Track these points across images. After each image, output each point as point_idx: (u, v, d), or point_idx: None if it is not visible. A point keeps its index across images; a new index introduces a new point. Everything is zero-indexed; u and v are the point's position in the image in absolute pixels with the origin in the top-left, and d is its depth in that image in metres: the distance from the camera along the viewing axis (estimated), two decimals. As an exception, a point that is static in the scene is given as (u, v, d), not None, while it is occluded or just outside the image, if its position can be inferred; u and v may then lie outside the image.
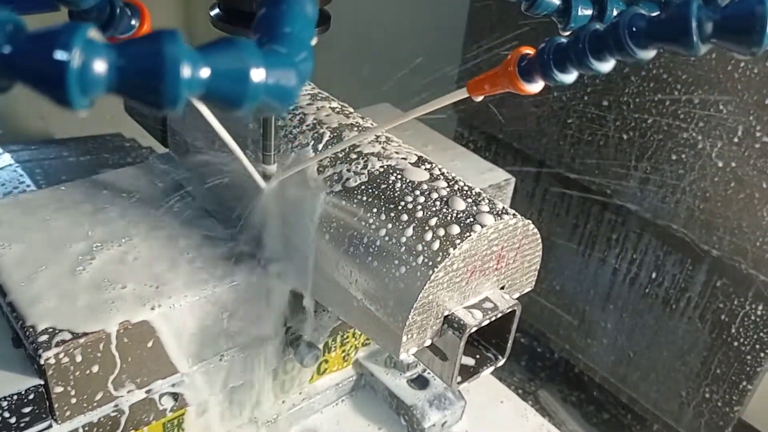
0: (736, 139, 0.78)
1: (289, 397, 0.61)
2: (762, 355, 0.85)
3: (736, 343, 0.87)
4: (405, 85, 0.79)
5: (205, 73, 0.21)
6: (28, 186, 0.98)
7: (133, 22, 0.40)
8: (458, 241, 0.43)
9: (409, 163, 0.50)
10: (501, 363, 0.50)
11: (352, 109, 0.58)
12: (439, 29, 0.92)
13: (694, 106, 0.80)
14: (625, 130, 0.87)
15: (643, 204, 0.87)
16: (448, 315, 0.45)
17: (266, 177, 0.51)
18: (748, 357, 0.86)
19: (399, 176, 0.48)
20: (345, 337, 0.62)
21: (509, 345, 0.50)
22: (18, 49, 0.19)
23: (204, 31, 1.79)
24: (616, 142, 0.87)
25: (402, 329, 0.43)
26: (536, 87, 0.38)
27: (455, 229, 0.44)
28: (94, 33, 0.19)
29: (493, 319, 0.46)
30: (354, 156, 0.50)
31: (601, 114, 0.89)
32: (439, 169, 0.50)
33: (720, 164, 0.79)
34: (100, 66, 0.19)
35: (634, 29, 0.32)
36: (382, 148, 0.52)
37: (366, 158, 0.50)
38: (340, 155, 0.50)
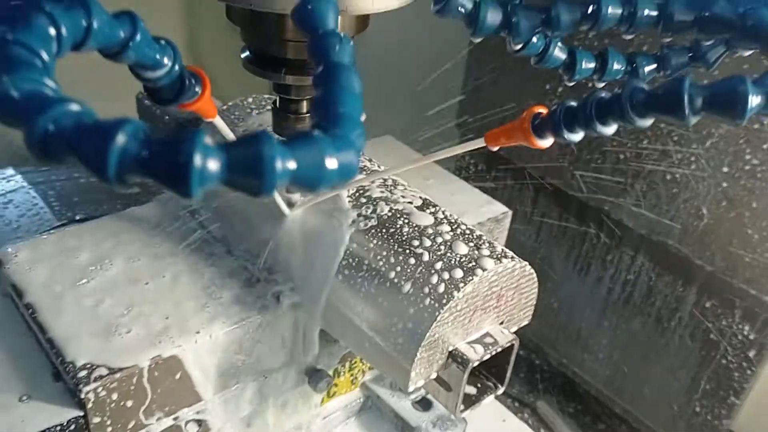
0: (727, 161, 0.82)
1: (302, 419, 0.65)
2: (749, 372, 0.89)
3: (724, 361, 0.91)
4: (406, 118, 0.83)
5: (292, 165, 0.25)
6: (42, 208, 1.01)
7: (197, 89, 0.45)
8: (462, 285, 0.47)
9: (415, 207, 0.54)
10: (500, 391, 0.54)
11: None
12: (439, 61, 0.96)
13: (687, 129, 0.84)
14: (622, 150, 0.91)
15: (639, 220, 0.91)
16: (452, 350, 0.49)
17: (290, 205, 0.55)
18: (736, 374, 0.90)
19: (406, 221, 0.52)
20: (353, 362, 0.66)
21: (508, 375, 0.54)
22: (152, 153, 0.24)
23: (207, 37, 1.82)
24: (613, 161, 0.91)
25: (411, 365, 0.47)
26: (547, 143, 0.42)
27: (459, 273, 0.48)
28: (208, 139, 0.24)
29: (494, 353, 0.50)
30: (364, 200, 0.54)
31: (598, 135, 0.93)
32: (443, 213, 0.54)
33: (712, 184, 0.83)
34: (214, 165, 0.24)
35: (634, 101, 0.37)
36: (390, 192, 0.56)
37: (375, 203, 0.54)
38: (351, 200, 0.54)
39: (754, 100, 0.33)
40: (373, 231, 0.52)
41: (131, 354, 0.48)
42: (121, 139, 0.23)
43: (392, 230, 0.52)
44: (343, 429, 0.68)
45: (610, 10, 0.41)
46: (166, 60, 0.38)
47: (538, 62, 0.45)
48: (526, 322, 0.56)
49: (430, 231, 0.52)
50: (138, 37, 0.34)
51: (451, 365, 0.50)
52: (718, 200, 0.84)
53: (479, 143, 0.46)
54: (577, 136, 0.40)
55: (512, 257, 0.51)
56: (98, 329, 0.50)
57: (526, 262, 0.52)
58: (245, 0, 0.45)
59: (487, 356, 0.50)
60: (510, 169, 1.04)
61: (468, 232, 0.52)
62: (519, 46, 0.43)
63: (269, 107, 0.66)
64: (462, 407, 0.52)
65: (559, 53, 0.44)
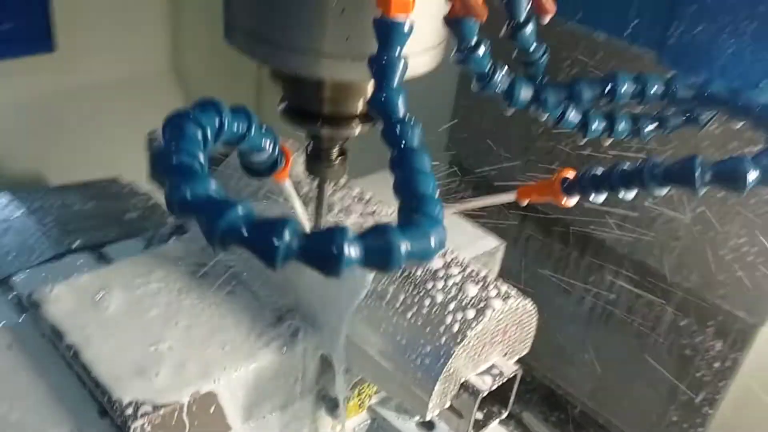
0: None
1: (315, 441, 0.70)
2: (720, 384, 0.96)
3: (698, 374, 0.97)
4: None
5: (358, 253, 0.32)
6: (38, 237, 1.03)
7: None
8: (474, 324, 0.52)
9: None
10: (504, 416, 0.60)
11: (368, 195, 0.67)
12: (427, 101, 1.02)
13: (666, 157, 0.90)
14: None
15: (621, 240, 0.97)
16: (463, 381, 0.55)
17: None
18: (709, 386, 0.97)
19: (419, 266, 0.58)
20: (361, 388, 0.70)
21: (511, 401, 0.59)
22: (309, 245, 0.32)
23: (190, 41, 1.82)
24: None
25: (429, 397, 0.52)
26: (573, 202, 0.49)
27: (471, 314, 0.53)
28: (351, 232, 0.31)
29: (500, 383, 0.56)
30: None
31: (582, 160, 0.99)
32: (451, 255, 0.59)
33: (688, 209, 0.90)
34: (354, 253, 0.32)
35: (654, 173, 0.43)
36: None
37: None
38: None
39: (752, 176, 0.40)
40: (390, 273, 0.57)
41: (172, 391, 0.53)
42: (286, 235, 0.31)
43: (406, 273, 0.57)
44: (356, 450, 0.73)
45: (625, 88, 0.48)
46: (268, 145, 0.45)
47: (555, 125, 0.51)
48: (525, 352, 0.61)
49: (441, 273, 0.57)
50: (252, 131, 0.41)
51: (462, 395, 0.55)
52: (694, 223, 0.90)
53: (510, 197, 0.52)
54: (601, 198, 0.46)
55: (516, 296, 0.56)
56: (139, 368, 0.54)
57: (529, 299, 0.57)
58: (290, 67, 0.50)
59: (495, 387, 0.55)
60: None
61: (475, 273, 0.58)
62: (553, 119, 0.49)
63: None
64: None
65: (575, 117, 0.50)
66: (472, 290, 0.55)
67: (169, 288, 0.63)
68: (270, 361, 0.58)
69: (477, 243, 0.76)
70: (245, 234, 0.31)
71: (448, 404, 0.55)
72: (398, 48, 0.41)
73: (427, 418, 0.54)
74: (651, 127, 0.53)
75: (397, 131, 0.40)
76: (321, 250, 0.32)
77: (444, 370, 0.52)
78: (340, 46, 0.48)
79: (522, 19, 0.47)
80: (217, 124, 0.39)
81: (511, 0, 0.46)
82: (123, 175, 1.22)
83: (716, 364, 0.95)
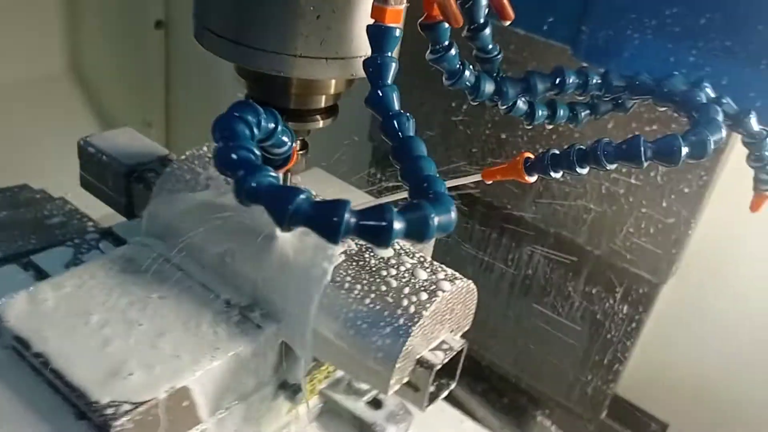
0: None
1: (271, 427, 0.73)
2: (628, 344, 1.07)
3: (609, 336, 1.08)
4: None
5: (401, 226, 0.38)
6: None
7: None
8: (428, 305, 0.58)
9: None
10: (453, 386, 0.66)
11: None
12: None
13: (575, 140, 0.98)
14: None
15: (537, 215, 1.06)
16: (419, 357, 0.60)
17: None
18: (619, 345, 1.08)
19: (371, 254, 0.62)
20: (314, 374, 0.75)
21: (458, 372, 0.65)
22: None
23: (89, 47, 1.78)
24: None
25: (390, 374, 0.57)
26: (533, 179, 0.56)
27: (424, 296, 0.59)
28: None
29: (451, 357, 0.62)
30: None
31: (500, 144, 1.06)
32: (399, 245, 0.65)
33: (596, 185, 0.99)
34: (399, 226, 0.38)
35: (606, 152, 0.50)
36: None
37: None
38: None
39: (684, 151, 0.47)
40: (345, 264, 0.62)
41: (148, 389, 0.55)
42: (345, 214, 0.37)
43: (362, 263, 0.62)
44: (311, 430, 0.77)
45: (571, 80, 0.55)
46: (287, 140, 0.51)
47: (507, 112, 0.58)
48: (467, 328, 0.68)
49: (393, 261, 0.62)
50: (279, 127, 0.47)
51: (418, 370, 0.60)
52: (602, 197, 0.99)
53: (477, 177, 0.57)
54: (558, 175, 0.53)
55: (460, 278, 0.62)
56: (112, 369, 0.57)
57: (470, 281, 0.63)
58: (264, 67, 0.54)
59: (447, 360, 0.61)
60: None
61: (423, 259, 0.63)
62: (505, 107, 0.55)
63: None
64: (426, 403, 0.63)
65: (523, 105, 0.59)
66: (422, 275, 0.61)
67: (129, 290, 0.65)
68: (236, 353, 0.61)
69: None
70: (312, 215, 0.37)
71: (406, 380, 0.60)
72: (390, 50, 0.47)
73: (389, 394, 0.59)
74: (585, 113, 0.61)
75: (395, 124, 0.46)
76: (374, 225, 0.37)
77: (403, 348, 0.57)
78: (314, 48, 0.52)
79: (481, 21, 0.53)
80: (256, 122, 0.44)
81: (472, 6, 0.51)
82: (27, 180, 1.20)
83: (624, 325, 1.06)
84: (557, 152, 0.53)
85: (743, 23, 0.65)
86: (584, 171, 0.52)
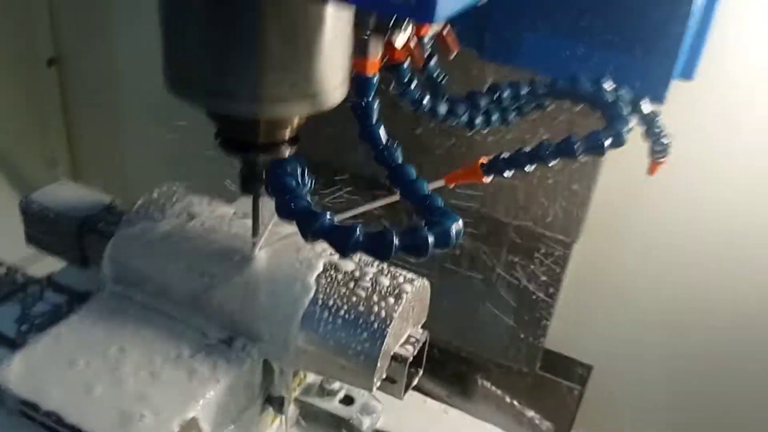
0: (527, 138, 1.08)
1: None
2: (550, 301, 1.20)
3: (534, 296, 1.20)
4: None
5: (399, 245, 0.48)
6: None
7: None
8: (396, 307, 0.66)
9: (338, 258, 0.72)
10: (420, 374, 0.74)
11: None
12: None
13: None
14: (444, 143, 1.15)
15: (459, 198, 1.15)
16: (393, 354, 0.69)
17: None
18: (543, 303, 1.20)
19: (336, 268, 0.70)
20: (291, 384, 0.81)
21: (424, 361, 0.74)
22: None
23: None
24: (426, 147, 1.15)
25: (373, 373, 0.66)
26: (490, 179, 0.66)
27: (391, 300, 0.67)
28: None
29: (418, 348, 0.70)
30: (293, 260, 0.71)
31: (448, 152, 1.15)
32: (358, 257, 0.72)
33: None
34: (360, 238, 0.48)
35: (547, 152, 0.63)
36: (311, 247, 0.73)
37: (306, 263, 0.71)
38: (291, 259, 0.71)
39: (608, 142, 0.60)
40: (316, 280, 0.69)
41: (162, 427, 0.61)
42: (357, 234, 0.47)
43: (329, 278, 0.69)
44: (291, 437, 0.83)
45: (506, 93, 0.69)
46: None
47: (452, 125, 0.71)
48: (425, 319, 0.76)
49: (357, 273, 0.70)
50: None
51: (393, 365, 0.69)
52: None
53: (440, 183, 0.66)
54: (510, 174, 0.65)
55: (417, 278, 0.71)
56: (123, 415, 0.62)
57: (424, 278, 0.72)
58: (236, 112, 0.60)
59: (416, 351, 0.70)
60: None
61: (382, 267, 0.71)
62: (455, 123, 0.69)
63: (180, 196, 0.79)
64: (404, 392, 0.71)
65: (465, 117, 0.70)
66: (385, 281, 0.69)
67: (116, 338, 0.69)
68: (230, 379, 0.67)
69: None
70: (368, 244, 0.48)
71: (384, 375, 0.69)
72: (372, 94, 0.56)
73: (373, 391, 0.67)
74: (513, 115, 0.72)
75: (386, 155, 0.56)
76: (414, 244, 0.48)
77: (382, 349, 0.65)
78: (284, 91, 0.58)
79: (427, 54, 0.64)
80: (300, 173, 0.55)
81: (418, 43, 0.61)
82: None
83: (545, 287, 1.18)
84: (507, 156, 0.63)
85: (617, 20, 0.77)
86: (531, 168, 0.62)
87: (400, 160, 0.55)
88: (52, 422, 0.62)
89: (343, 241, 0.47)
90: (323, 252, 0.72)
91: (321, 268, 0.70)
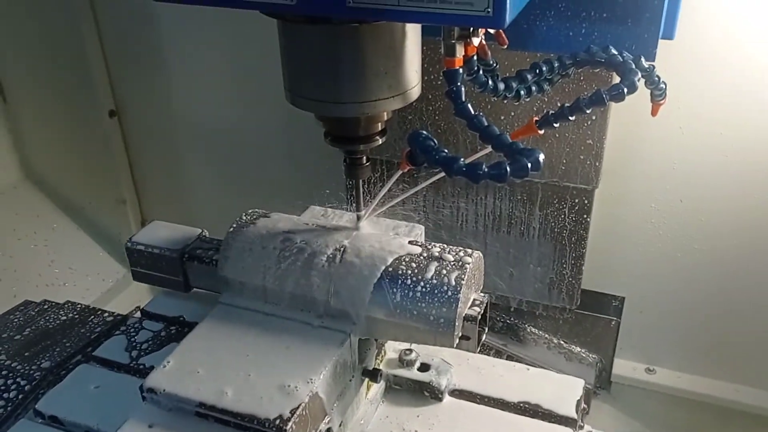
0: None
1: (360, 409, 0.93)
2: (582, 243, 1.34)
3: (565, 241, 1.34)
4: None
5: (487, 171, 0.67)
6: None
7: None
8: (463, 276, 0.81)
9: (406, 243, 0.86)
10: (486, 330, 0.88)
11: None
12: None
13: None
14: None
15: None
16: (464, 315, 0.83)
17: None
18: (574, 246, 1.35)
19: (408, 255, 0.84)
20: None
21: (487, 320, 0.88)
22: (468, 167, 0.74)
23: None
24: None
25: (453, 333, 0.80)
26: (542, 131, 0.80)
27: (456, 272, 0.81)
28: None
29: (484, 308, 0.85)
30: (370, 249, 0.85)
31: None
32: (417, 240, 0.87)
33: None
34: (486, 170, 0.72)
35: (583, 104, 0.77)
36: (384, 239, 0.87)
37: (381, 251, 0.85)
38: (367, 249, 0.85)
39: (625, 90, 0.76)
40: (394, 264, 0.83)
41: (294, 399, 0.76)
42: (483, 168, 0.68)
43: (403, 263, 0.83)
44: (383, 406, 0.96)
45: (544, 68, 0.84)
46: None
47: (505, 98, 0.85)
48: (482, 284, 0.90)
49: (425, 254, 0.84)
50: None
51: (466, 324, 0.83)
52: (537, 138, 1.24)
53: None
54: (557, 125, 0.79)
55: (473, 251, 0.85)
56: (282, 389, 0.77)
57: (479, 251, 0.86)
58: (346, 114, 0.78)
59: (482, 311, 0.84)
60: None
61: (441, 247, 0.86)
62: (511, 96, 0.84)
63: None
64: (477, 347, 0.86)
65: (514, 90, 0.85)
66: (449, 257, 0.83)
67: (240, 338, 0.84)
68: (335, 358, 0.81)
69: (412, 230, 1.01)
70: (465, 169, 0.67)
71: (460, 333, 0.83)
72: (459, 82, 0.72)
73: (454, 347, 0.82)
74: (546, 84, 0.87)
75: (475, 122, 0.72)
76: (496, 171, 0.67)
77: (457, 311, 0.80)
78: (384, 93, 0.77)
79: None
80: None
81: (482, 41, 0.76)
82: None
83: (575, 232, 1.33)
84: (553, 112, 0.78)
85: (605, 2, 0.92)
86: (573, 118, 0.78)
87: (485, 124, 0.72)
88: (204, 410, 0.76)
89: (474, 172, 0.67)
90: (394, 240, 0.86)
91: (396, 254, 0.84)
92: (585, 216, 1.33)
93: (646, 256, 1.50)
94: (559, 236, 1.35)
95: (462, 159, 0.69)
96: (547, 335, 1.53)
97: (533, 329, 1.53)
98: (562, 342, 1.54)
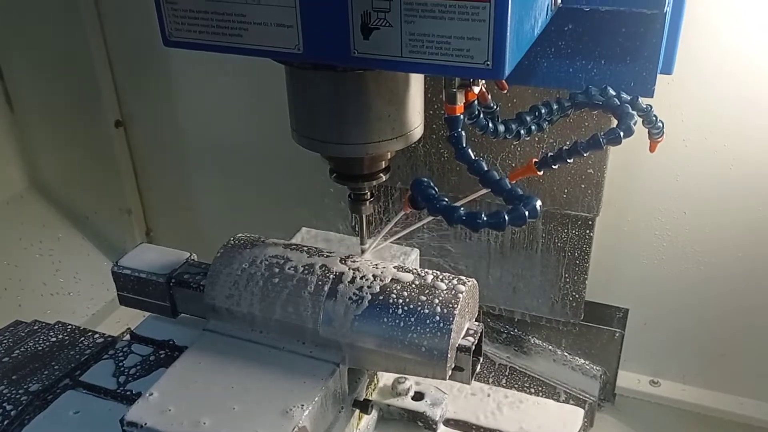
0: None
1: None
2: (585, 257, 1.31)
3: (570, 255, 1.32)
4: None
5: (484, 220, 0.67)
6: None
7: None
8: (456, 306, 0.78)
9: (397, 271, 0.83)
10: (480, 361, 0.86)
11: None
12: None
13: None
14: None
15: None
16: (458, 345, 0.80)
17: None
18: (577, 261, 1.32)
19: (397, 281, 0.81)
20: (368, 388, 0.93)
21: (482, 349, 0.85)
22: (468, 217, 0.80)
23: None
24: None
25: (446, 365, 0.78)
26: (541, 172, 0.80)
27: (450, 301, 0.78)
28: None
29: (478, 338, 0.82)
30: (361, 278, 0.83)
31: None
32: (412, 268, 0.84)
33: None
34: (484, 219, 0.69)
35: (580, 148, 0.76)
36: (374, 267, 0.84)
37: (372, 278, 0.82)
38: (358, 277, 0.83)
39: (621, 134, 0.75)
40: (383, 295, 0.81)
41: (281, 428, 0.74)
42: (482, 217, 0.68)
43: (394, 291, 0.81)
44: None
45: (544, 110, 0.84)
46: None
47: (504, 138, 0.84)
48: (476, 314, 0.87)
49: (417, 282, 0.81)
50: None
51: (459, 355, 0.80)
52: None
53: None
54: (556, 167, 0.78)
55: (467, 279, 0.82)
56: (283, 412, 0.75)
57: (473, 279, 0.83)
58: (351, 155, 0.80)
59: (476, 341, 0.81)
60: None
61: (435, 274, 0.83)
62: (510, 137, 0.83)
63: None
64: (472, 378, 0.83)
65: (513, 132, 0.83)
66: (442, 285, 0.81)
67: (226, 369, 0.82)
68: (325, 389, 0.79)
69: (407, 256, 0.99)
70: (464, 218, 0.67)
71: (453, 364, 0.81)
72: (460, 128, 0.73)
73: (447, 379, 0.79)
74: (546, 125, 0.85)
75: (476, 167, 0.72)
76: (495, 220, 0.67)
77: (450, 342, 0.77)
78: (387, 134, 0.79)
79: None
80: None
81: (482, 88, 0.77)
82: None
83: (578, 248, 1.30)
84: (552, 154, 0.78)
85: (608, 38, 0.92)
86: (570, 160, 0.77)
87: (486, 169, 0.72)
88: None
89: (474, 221, 0.68)
90: (386, 268, 0.84)
91: (388, 282, 0.81)
92: (587, 239, 1.31)
93: (650, 267, 1.47)
94: (561, 251, 1.33)
95: (461, 208, 0.69)
96: (551, 347, 1.51)
97: (537, 340, 1.51)
98: (566, 354, 1.51)
